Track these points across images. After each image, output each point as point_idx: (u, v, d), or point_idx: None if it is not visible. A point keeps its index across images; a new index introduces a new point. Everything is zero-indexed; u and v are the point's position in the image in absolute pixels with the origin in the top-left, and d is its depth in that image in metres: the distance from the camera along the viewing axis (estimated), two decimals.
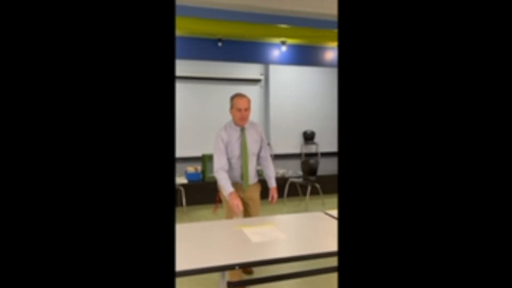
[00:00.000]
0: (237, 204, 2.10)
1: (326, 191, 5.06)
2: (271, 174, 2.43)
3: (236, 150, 2.26)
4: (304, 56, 5.29)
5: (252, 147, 2.31)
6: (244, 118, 2.25)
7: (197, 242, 1.65)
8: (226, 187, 2.18)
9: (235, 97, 2.29)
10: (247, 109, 2.25)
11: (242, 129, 2.28)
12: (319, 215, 2.15)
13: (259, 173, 2.56)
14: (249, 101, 2.28)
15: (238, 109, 2.23)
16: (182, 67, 5.61)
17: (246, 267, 1.65)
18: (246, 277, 2.43)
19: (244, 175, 2.28)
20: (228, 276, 2.03)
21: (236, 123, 2.28)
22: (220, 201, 2.44)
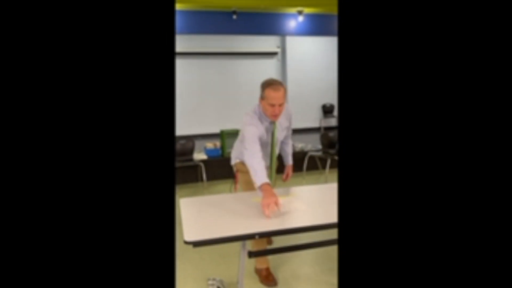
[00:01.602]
0: (269, 203, 1.56)
1: None
2: (289, 151, 2.32)
3: (264, 140, 1.95)
4: (322, 26, 5.11)
5: (280, 135, 2.08)
6: (277, 115, 1.88)
7: (217, 214, 1.67)
8: (260, 174, 1.70)
9: (268, 87, 1.82)
10: (282, 104, 1.83)
11: (273, 122, 1.98)
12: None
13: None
14: (284, 93, 1.84)
15: (271, 104, 1.82)
16: (196, 42, 5.55)
17: (266, 236, 1.65)
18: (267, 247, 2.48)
19: (271, 165, 2.11)
20: (250, 246, 2.06)
21: (267, 115, 1.92)
22: (237, 182, 2.23)
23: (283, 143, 2.31)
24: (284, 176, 2.32)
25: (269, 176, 2.00)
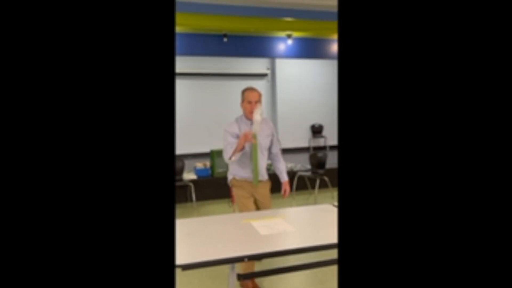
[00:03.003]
0: (246, 133, 2.13)
1: (335, 184, 5.05)
2: (282, 168, 2.45)
3: (247, 145, 2.24)
4: (311, 49, 5.26)
5: (264, 142, 2.31)
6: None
7: (206, 236, 1.67)
8: (229, 151, 2.21)
9: (246, 90, 2.32)
10: (258, 102, 2.27)
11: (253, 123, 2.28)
12: (327, 207, 2.16)
13: (268, 168, 2.55)
14: (259, 94, 2.30)
15: (249, 101, 2.25)
16: (188, 63, 5.63)
17: (255, 259, 1.67)
18: (256, 267, 2.46)
19: (254, 169, 2.26)
20: (239, 268, 2.06)
21: (247, 117, 2.29)
22: (233, 200, 2.43)
23: (274, 160, 2.45)
24: (282, 192, 2.41)
25: (253, 174, 2.27)
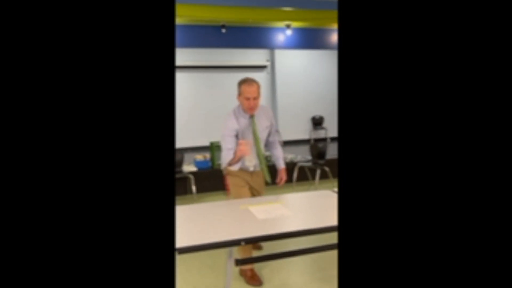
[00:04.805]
0: (242, 146, 2.00)
1: (336, 175, 5.02)
2: (279, 155, 2.36)
3: (248, 138, 2.15)
4: (310, 39, 5.20)
5: (262, 134, 2.21)
6: (253, 108, 2.10)
7: (204, 221, 1.65)
8: (228, 157, 2.10)
9: (243, 83, 2.10)
10: (256, 98, 2.08)
11: (252, 116, 2.16)
12: (327, 193, 2.14)
13: (267, 158, 2.52)
14: (258, 88, 2.10)
15: (246, 98, 2.07)
16: (186, 56, 5.59)
17: (251, 242, 1.64)
18: (256, 253, 2.45)
19: (261, 161, 2.22)
20: (238, 253, 2.04)
21: (245, 111, 2.16)
22: (228, 188, 2.42)
23: (271, 147, 2.39)
24: (278, 179, 2.32)
25: (263, 176, 2.25)
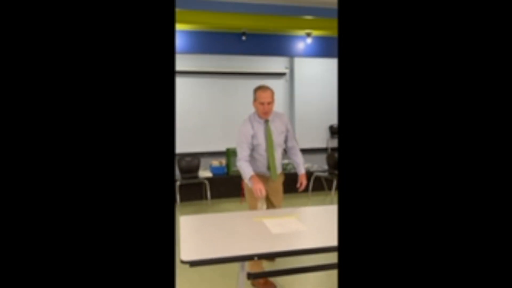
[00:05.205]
0: (260, 188, 2.07)
1: None
2: (299, 161, 2.41)
3: (262, 143, 2.25)
4: (330, 48, 5.16)
5: (278, 139, 2.28)
6: (267, 112, 2.23)
7: (218, 232, 1.64)
8: (246, 171, 2.17)
9: (258, 89, 2.26)
10: (271, 103, 2.22)
11: (267, 121, 2.26)
12: None
13: (283, 166, 2.54)
14: (272, 93, 2.25)
15: (261, 103, 2.20)
16: (206, 62, 5.64)
17: (265, 258, 1.62)
18: (267, 267, 2.42)
19: (271, 166, 2.27)
20: (249, 266, 2.02)
21: (260, 116, 2.26)
22: (243, 194, 2.40)
23: (291, 153, 2.44)
24: (298, 184, 2.36)
25: (271, 171, 2.29)
